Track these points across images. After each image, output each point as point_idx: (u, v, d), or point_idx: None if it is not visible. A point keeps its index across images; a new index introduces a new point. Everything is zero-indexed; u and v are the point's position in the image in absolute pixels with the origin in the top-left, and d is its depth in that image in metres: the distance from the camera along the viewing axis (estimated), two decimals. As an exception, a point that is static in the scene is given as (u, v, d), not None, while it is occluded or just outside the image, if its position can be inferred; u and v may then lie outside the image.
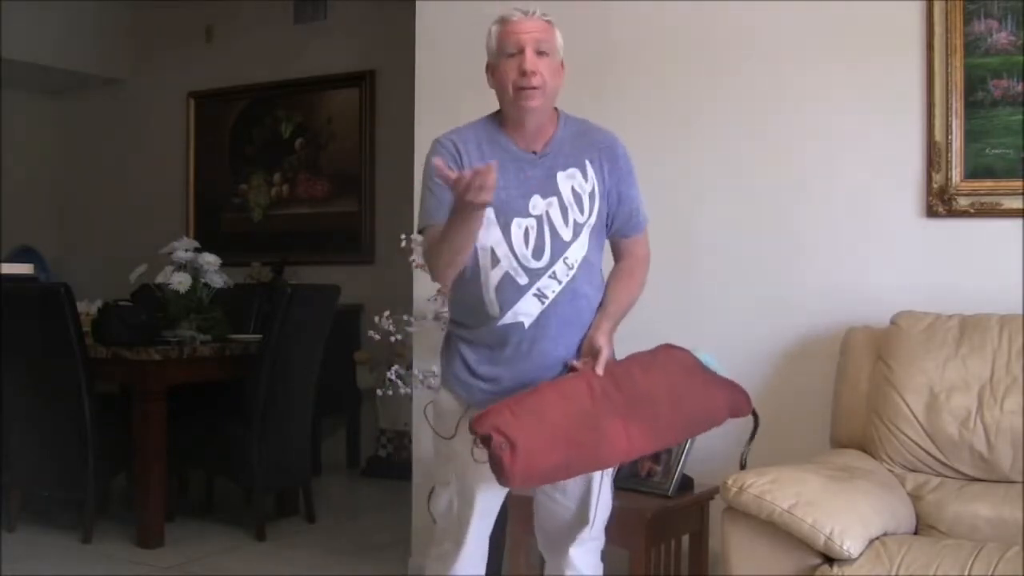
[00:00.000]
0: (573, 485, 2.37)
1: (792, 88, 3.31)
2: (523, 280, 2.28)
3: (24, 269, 5.30)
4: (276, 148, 6.64)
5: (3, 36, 6.23)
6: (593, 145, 2.37)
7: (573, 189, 2.32)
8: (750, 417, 2.47)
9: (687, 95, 3.47)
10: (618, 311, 2.37)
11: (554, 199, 2.30)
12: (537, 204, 2.29)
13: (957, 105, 3.07)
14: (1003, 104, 3.04)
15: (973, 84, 3.06)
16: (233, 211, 6.83)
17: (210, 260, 4.74)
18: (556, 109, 2.38)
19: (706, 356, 2.41)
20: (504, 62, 2.28)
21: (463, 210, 2.09)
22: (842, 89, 3.24)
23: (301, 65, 6.41)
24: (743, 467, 2.53)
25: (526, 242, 2.28)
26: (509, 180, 2.27)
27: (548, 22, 2.31)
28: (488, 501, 2.41)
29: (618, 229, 2.42)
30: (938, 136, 3.10)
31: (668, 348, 2.42)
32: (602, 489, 2.39)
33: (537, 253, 2.28)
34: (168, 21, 6.98)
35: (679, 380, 2.33)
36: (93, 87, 7.33)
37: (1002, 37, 3.04)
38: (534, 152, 2.33)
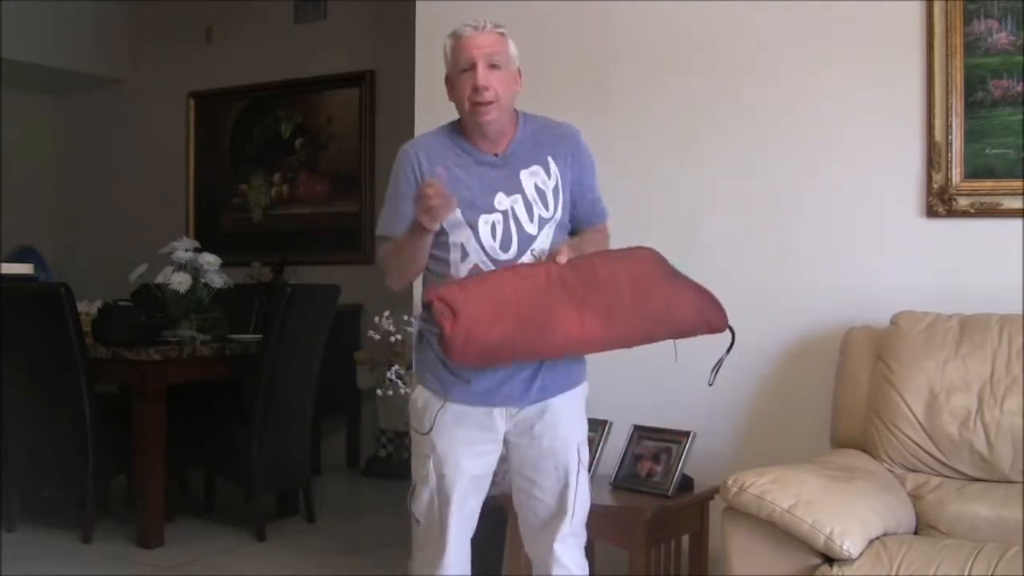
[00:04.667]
0: (550, 480, 2.40)
1: (792, 89, 3.31)
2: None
3: (24, 269, 5.31)
4: (276, 148, 6.64)
5: (3, 36, 6.23)
6: (555, 139, 2.43)
7: (536, 186, 2.37)
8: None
9: (688, 97, 3.47)
10: (582, 242, 2.39)
11: (518, 196, 2.35)
12: (502, 201, 2.35)
13: (957, 105, 3.07)
14: (1003, 104, 3.04)
15: (973, 84, 3.06)
16: (233, 211, 6.83)
17: (210, 260, 4.74)
18: (516, 111, 2.43)
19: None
20: (458, 77, 2.34)
21: (413, 228, 2.23)
22: (842, 89, 3.24)
23: (301, 65, 6.41)
24: (711, 384, 2.44)
25: (493, 235, 2.33)
26: (473, 181, 2.34)
27: (500, 34, 2.36)
28: (468, 499, 2.42)
29: (583, 219, 2.47)
30: (938, 136, 3.10)
31: (636, 247, 2.38)
32: (579, 483, 2.41)
33: (505, 245, 2.34)
34: (168, 21, 6.98)
35: (641, 272, 2.29)
36: (93, 87, 7.33)
37: (1002, 37, 3.04)
38: (495, 155, 2.38)
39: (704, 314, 2.33)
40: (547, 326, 2.18)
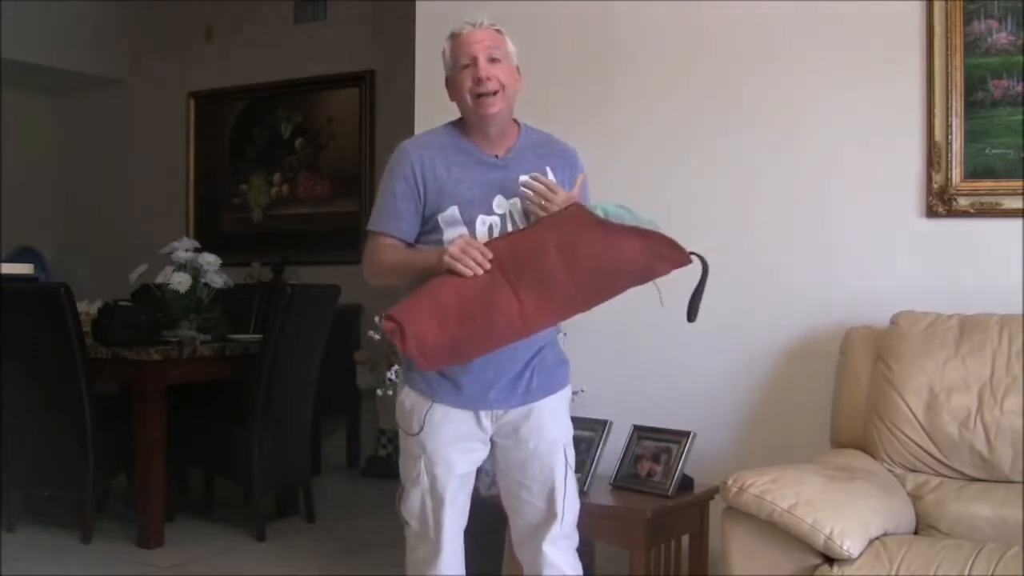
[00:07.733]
0: (537, 483, 2.41)
1: (792, 88, 3.31)
2: None
3: (24, 269, 5.30)
4: (276, 148, 6.64)
5: (3, 36, 6.23)
6: (555, 153, 2.46)
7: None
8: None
9: (688, 96, 3.47)
10: None
11: (517, 200, 2.36)
12: (501, 203, 2.35)
13: (957, 105, 3.08)
14: (1003, 104, 3.04)
15: (973, 84, 3.06)
16: (233, 211, 6.83)
17: (210, 260, 4.74)
18: (516, 121, 2.45)
19: (612, 207, 2.24)
20: (459, 74, 2.35)
21: (437, 263, 2.20)
22: (842, 89, 3.24)
23: (301, 65, 6.41)
24: (692, 320, 2.27)
25: (490, 237, 2.32)
26: (474, 180, 2.35)
27: (497, 31, 2.39)
28: (459, 496, 2.42)
29: None
30: (938, 136, 3.10)
31: (566, 208, 2.28)
32: (567, 485, 2.42)
33: None
34: (168, 21, 6.98)
35: (567, 234, 2.21)
36: (93, 87, 7.33)
37: (1002, 37, 3.04)
38: (496, 156, 2.39)
39: (654, 251, 2.22)
40: (490, 316, 2.17)
